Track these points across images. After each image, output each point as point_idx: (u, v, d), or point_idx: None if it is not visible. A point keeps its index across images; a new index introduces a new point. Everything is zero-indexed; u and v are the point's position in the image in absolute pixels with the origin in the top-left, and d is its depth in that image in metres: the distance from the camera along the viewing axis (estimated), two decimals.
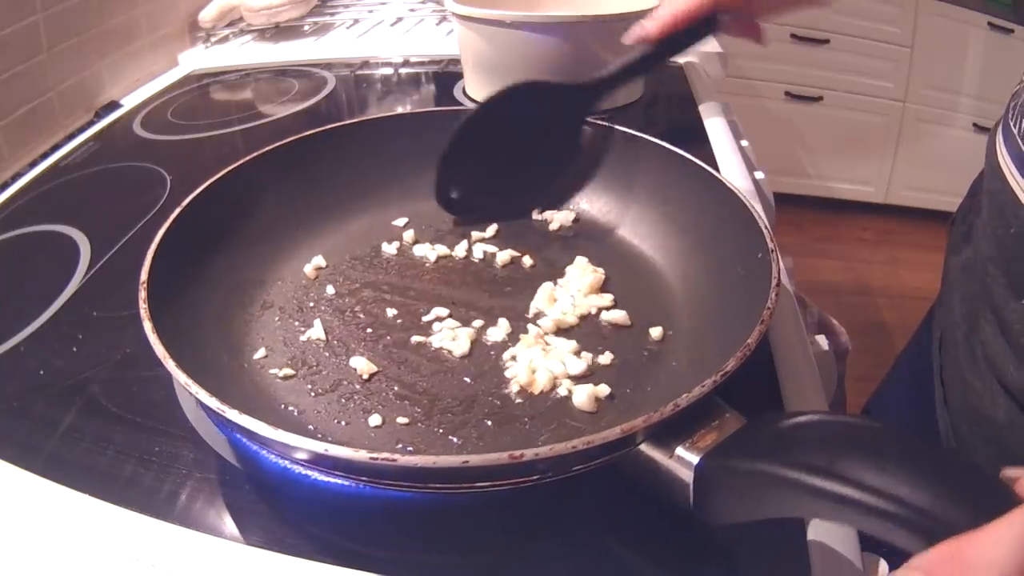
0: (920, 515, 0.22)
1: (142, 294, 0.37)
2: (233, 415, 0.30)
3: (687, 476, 0.29)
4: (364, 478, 0.31)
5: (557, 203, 0.55)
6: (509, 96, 0.49)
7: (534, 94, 0.49)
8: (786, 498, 0.26)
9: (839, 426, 0.27)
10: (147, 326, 0.35)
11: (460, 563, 0.33)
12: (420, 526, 0.34)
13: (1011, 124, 0.41)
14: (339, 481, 0.33)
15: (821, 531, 0.33)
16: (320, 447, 0.28)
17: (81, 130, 0.81)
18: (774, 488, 0.26)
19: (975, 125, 1.96)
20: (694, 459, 0.29)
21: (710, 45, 0.93)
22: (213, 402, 0.30)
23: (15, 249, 0.59)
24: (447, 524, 0.34)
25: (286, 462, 0.34)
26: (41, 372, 0.44)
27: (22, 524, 0.35)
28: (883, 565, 0.37)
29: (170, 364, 0.33)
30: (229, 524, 0.34)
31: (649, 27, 0.45)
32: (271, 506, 0.35)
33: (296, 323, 0.45)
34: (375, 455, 0.28)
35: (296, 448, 0.29)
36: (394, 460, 0.28)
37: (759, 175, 0.68)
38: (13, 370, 0.45)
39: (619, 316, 0.44)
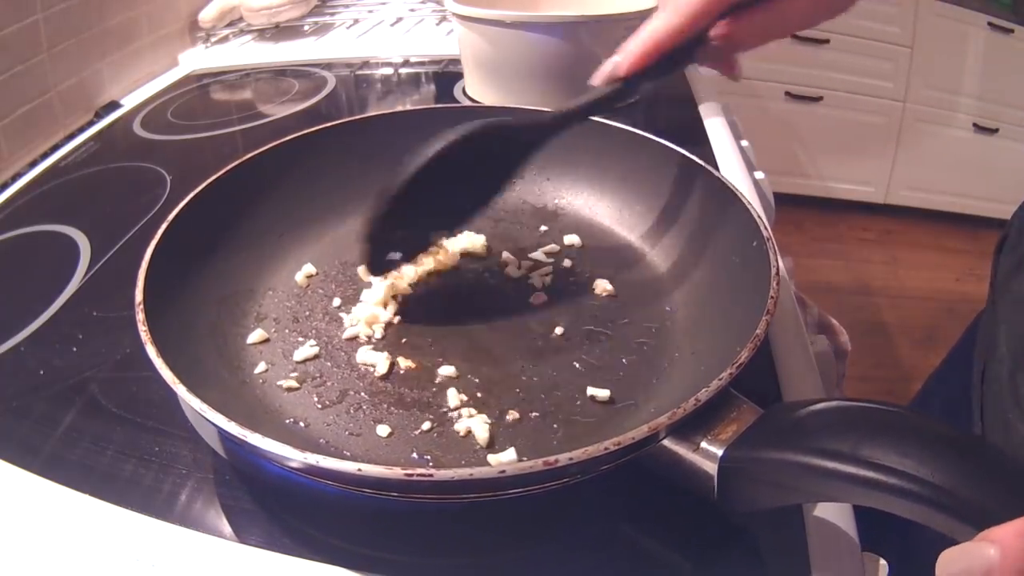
0: (946, 495, 0.23)
1: (140, 315, 0.36)
2: (256, 439, 0.29)
3: (711, 468, 0.30)
4: (395, 494, 0.31)
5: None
6: (463, 141, 0.43)
7: (489, 137, 0.44)
8: (810, 484, 0.27)
9: (858, 411, 0.28)
10: (151, 350, 0.34)
11: (461, 564, 0.33)
12: (420, 526, 0.34)
13: None
14: (366, 495, 0.32)
15: (820, 518, 0.33)
16: (353, 467, 0.28)
17: (81, 130, 0.81)
18: (798, 475, 0.27)
19: (975, 125, 1.97)
20: (718, 451, 0.30)
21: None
22: (233, 427, 0.29)
23: (15, 249, 0.59)
24: (449, 524, 0.34)
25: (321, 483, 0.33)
26: (41, 372, 0.44)
27: (22, 524, 0.35)
28: (883, 564, 0.37)
29: (180, 389, 0.32)
30: (228, 524, 0.34)
31: (620, 64, 0.42)
32: (270, 506, 0.35)
33: (293, 334, 0.44)
34: (410, 472, 0.27)
35: (327, 470, 0.28)
36: (430, 476, 0.28)
37: (759, 175, 0.68)
38: (13, 370, 0.45)
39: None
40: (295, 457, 0.28)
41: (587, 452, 0.28)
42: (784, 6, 0.39)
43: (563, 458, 0.28)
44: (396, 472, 0.28)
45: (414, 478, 0.27)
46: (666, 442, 0.31)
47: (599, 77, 0.43)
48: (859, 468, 0.25)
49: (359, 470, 0.28)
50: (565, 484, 0.31)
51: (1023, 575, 0.20)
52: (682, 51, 0.42)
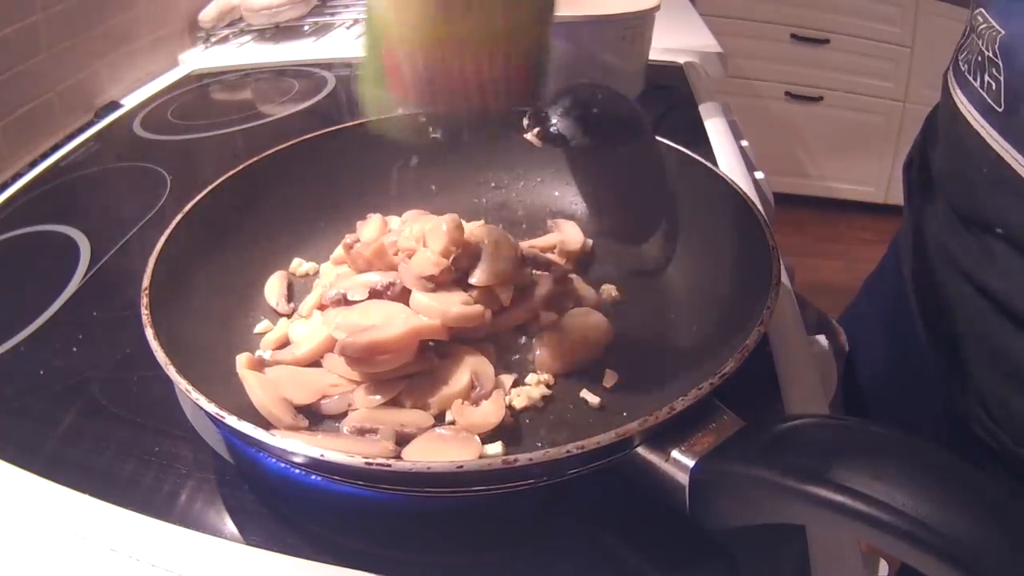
0: (915, 525, 0.21)
1: (144, 300, 0.36)
2: (232, 421, 0.30)
3: (683, 480, 0.29)
4: (361, 482, 0.31)
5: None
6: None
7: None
8: (780, 504, 0.26)
9: (838, 429, 0.27)
10: (149, 332, 0.34)
11: (460, 563, 0.33)
12: (420, 526, 0.34)
13: (969, 78, 0.44)
14: (339, 484, 0.33)
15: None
16: (316, 452, 0.28)
17: (81, 130, 0.81)
18: (768, 493, 0.26)
19: None
20: (690, 463, 0.29)
21: (710, 45, 0.93)
22: (211, 407, 0.30)
23: (15, 249, 0.59)
24: (446, 525, 0.34)
25: (291, 466, 0.34)
26: (41, 372, 0.44)
27: (22, 524, 0.35)
28: (883, 565, 0.37)
29: (171, 371, 0.32)
30: (228, 524, 0.34)
31: None
32: (270, 506, 0.35)
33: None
34: (370, 460, 0.28)
35: (292, 453, 0.29)
36: (388, 466, 0.28)
37: (759, 175, 0.68)
38: (13, 370, 0.45)
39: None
40: (263, 439, 0.29)
41: (548, 454, 0.27)
42: None
43: (523, 458, 0.27)
44: (357, 460, 0.28)
45: (373, 467, 0.28)
46: (639, 450, 0.30)
47: None
48: (826, 491, 0.23)
49: (322, 455, 0.28)
50: (533, 486, 0.30)
51: None
52: None
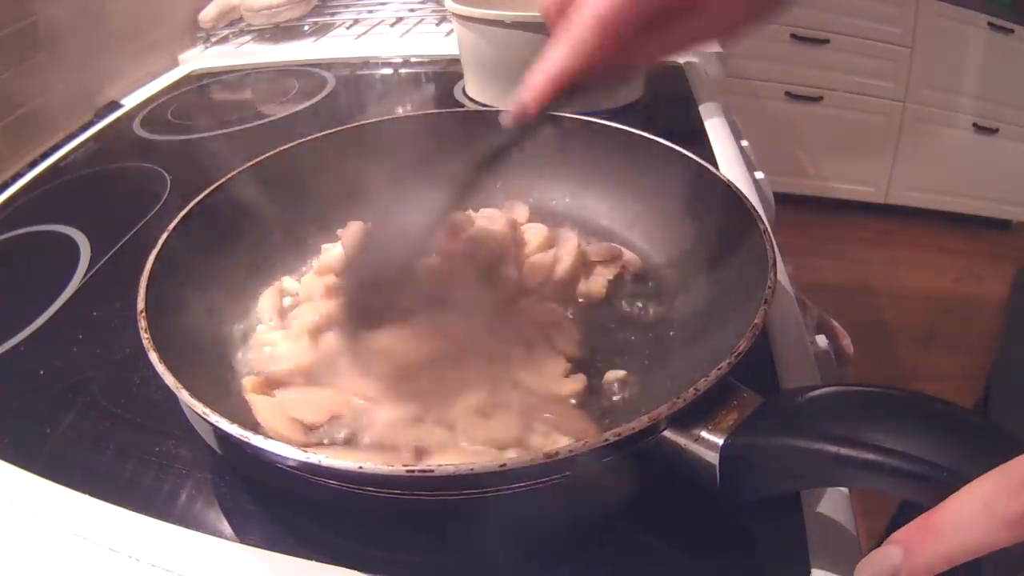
0: (951, 475, 0.23)
1: (142, 323, 0.35)
2: (258, 441, 0.29)
3: (713, 458, 0.30)
4: (397, 491, 0.31)
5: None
6: None
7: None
8: (813, 470, 0.27)
9: (858, 395, 0.28)
10: (153, 357, 0.33)
11: (462, 562, 0.33)
12: (420, 525, 0.34)
13: None
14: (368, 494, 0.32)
15: (819, 513, 0.33)
16: (354, 465, 0.28)
17: (81, 130, 0.81)
18: (801, 461, 0.27)
19: (975, 125, 1.96)
20: (719, 440, 0.30)
21: (710, 45, 0.93)
22: (235, 429, 0.29)
23: (15, 249, 0.59)
24: (450, 523, 0.34)
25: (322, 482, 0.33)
26: (41, 372, 0.44)
27: (22, 524, 0.35)
28: None
29: (184, 395, 0.31)
30: (228, 524, 0.34)
31: (529, 104, 0.36)
32: (270, 506, 0.35)
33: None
34: (412, 468, 0.27)
35: (329, 469, 0.28)
36: (431, 471, 0.27)
37: (759, 175, 0.68)
38: (13, 370, 0.45)
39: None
40: (296, 457, 0.28)
41: (587, 444, 0.28)
42: (698, 18, 0.34)
43: (563, 450, 0.27)
44: (398, 469, 0.28)
45: (416, 474, 0.27)
46: (667, 433, 0.31)
47: (509, 119, 0.37)
48: (861, 451, 0.25)
49: (360, 468, 0.28)
50: (567, 478, 0.31)
51: (928, 569, 0.21)
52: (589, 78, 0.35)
